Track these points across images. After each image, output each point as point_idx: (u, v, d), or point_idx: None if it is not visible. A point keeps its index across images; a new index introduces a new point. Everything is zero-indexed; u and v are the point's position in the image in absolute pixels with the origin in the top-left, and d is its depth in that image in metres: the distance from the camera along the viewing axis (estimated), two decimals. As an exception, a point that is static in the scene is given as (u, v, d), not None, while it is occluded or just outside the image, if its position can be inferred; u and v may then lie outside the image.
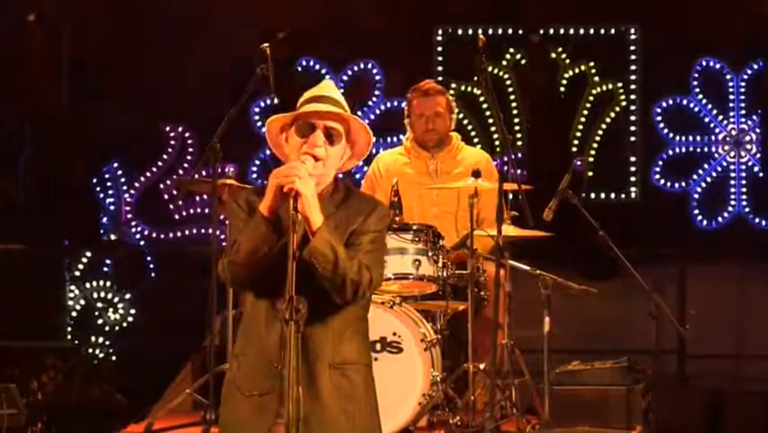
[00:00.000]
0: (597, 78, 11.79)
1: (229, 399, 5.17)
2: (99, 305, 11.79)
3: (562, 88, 11.78)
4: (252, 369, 5.10)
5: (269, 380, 5.03)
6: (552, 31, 11.81)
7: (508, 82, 11.70)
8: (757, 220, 11.57)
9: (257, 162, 11.72)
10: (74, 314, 11.74)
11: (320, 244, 4.91)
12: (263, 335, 5.06)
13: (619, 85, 11.78)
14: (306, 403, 4.90)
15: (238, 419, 5.12)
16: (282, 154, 5.17)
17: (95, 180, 12.02)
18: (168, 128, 11.94)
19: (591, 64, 11.77)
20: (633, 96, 11.78)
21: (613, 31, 11.77)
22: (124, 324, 11.78)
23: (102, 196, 12.02)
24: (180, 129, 11.93)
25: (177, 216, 11.98)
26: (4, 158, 12.08)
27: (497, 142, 11.08)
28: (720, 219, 11.65)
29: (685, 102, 11.77)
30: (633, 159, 11.79)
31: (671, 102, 11.78)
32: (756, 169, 11.64)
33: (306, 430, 4.89)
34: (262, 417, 5.05)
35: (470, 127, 11.45)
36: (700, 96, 11.74)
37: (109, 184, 12.02)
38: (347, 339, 5.12)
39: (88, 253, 11.84)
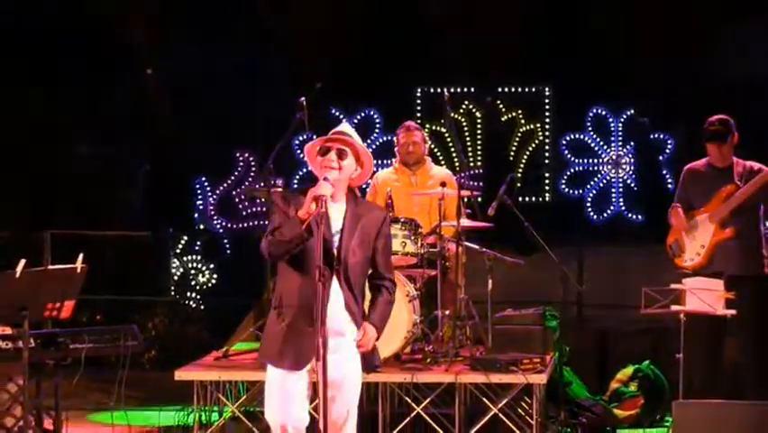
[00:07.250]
0: (523, 121, 11.77)
1: (282, 336, 5.13)
2: (192, 272, 11.77)
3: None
4: (295, 314, 5.09)
5: (307, 321, 5.02)
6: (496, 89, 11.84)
7: (464, 124, 11.69)
8: (631, 216, 11.58)
9: (297, 177, 11.69)
10: (175, 278, 11.71)
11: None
12: (300, 291, 5.06)
13: (538, 125, 11.76)
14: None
15: (288, 347, 5.12)
16: (315, 168, 5.20)
17: (189, 188, 12.02)
18: (237, 153, 11.93)
19: (519, 111, 11.75)
20: (547, 133, 11.76)
21: (534, 89, 11.75)
22: (209, 285, 11.76)
23: (194, 199, 12.00)
24: (246, 154, 11.90)
25: (244, 213, 11.96)
26: (129, 173, 12.08)
27: (456, 164, 11.05)
28: (605, 215, 11.64)
29: (581, 136, 11.76)
30: (546, 174, 11.77)
31: (572, 136, 11.76)
32: (629, 181, 11.65)
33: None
34: (305, 344, 5.05)
35: (439, 154, 11.41)
36: (592, 132, 11.73)
37: (199, 191, 11.99)
38: (360, 299, 5.23)
39: (185, 237, 11.82)
